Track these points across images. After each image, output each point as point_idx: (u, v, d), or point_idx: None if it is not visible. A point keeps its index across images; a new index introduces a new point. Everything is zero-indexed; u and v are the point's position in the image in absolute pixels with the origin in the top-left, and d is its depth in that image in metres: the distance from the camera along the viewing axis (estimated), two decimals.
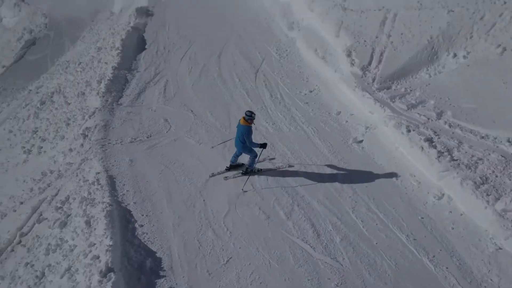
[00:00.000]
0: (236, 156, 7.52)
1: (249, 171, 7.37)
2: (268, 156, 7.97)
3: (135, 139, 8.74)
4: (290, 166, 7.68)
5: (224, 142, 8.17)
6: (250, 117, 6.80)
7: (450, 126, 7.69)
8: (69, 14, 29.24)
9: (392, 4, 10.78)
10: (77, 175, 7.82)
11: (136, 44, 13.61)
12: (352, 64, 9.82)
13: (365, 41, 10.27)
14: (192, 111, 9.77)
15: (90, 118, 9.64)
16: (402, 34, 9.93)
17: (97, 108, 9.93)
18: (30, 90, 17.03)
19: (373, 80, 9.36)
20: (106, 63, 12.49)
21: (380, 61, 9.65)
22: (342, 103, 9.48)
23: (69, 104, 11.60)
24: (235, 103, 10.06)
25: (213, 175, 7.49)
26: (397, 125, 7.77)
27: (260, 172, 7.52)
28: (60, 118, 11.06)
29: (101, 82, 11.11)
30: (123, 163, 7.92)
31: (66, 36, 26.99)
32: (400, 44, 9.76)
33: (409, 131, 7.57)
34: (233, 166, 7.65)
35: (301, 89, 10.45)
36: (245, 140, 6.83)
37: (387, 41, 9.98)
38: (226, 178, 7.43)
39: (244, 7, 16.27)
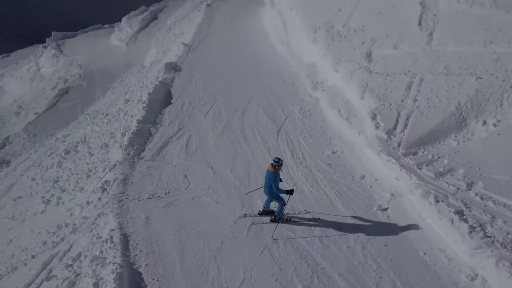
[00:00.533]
0: (268, 202, 7.69)
1: (277, 219, 7.42)
2: (305, 210, 7.87)
3: (153, 195, 8.60)
4: (315, 219, 7.63)
5: (257, 189, 8.28)
6: (277, 163, 7.08)
7: (481, 198, 7.25)
8: (103, 65, 30.66)
9: (418, 69, 10.72)
10: (91, 231, 7.66)
11: (162, 98, 13.89)
12: (377, 128, 9.62)
13: (390, 104, 10.13)
14: (212, 167, 9.66)
15: (110, 171, 9.63)
16: (428, 99, 9.76)
17: (118, 161, 9.94)
18: (57, 138, 17.47)
19: (399, 145, 9.09)
20: (131, 116, 12.73)
21: (406, 126, 9.43)
22: (366, 167, 9.19)
23: (92, 155, 11.73)
24: (256, 161, 9.91)
25: (244, 216, 7.73)
26: (425, 195, 7.38)
27: (289, 221, 7.50)
28: (82, 169, 11.14)
29: (125, 135, 11.23)
30: (138, 220, 7.73)
31: (98, 87, 28.11)
32: (427, 109, 9.57)
33: (437, 201, 7.16)
34: (266, 212, 7.75)
35: (323, 150, 10.25)
36: (271, 186, 7.04)
37: (413, 105, 9.82)
38: (254, 223, 7.53)
39: (269, 65, 16.61)
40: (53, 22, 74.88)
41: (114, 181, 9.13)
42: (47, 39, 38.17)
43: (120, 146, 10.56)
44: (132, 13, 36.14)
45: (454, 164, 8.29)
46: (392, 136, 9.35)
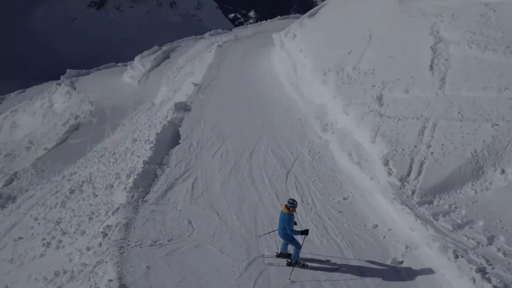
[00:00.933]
0: (285, 244, 7.66)
1: (293, 263, 7.35)
2: (326, 257, 7.63)
3: (155, 242, 8.24)
4: (335, 268, 7.42)
5: (270, 232, 8.21)
6: (292, 205, 7.11)
7: (504, 254, 6.77)
8: (114, 102, 30.97)
9: (431, 114, 10.47)
10: (89, 280, 7.28)
11: (170, 138, 13.75)
12: (390, 174, 9.27)
13: (403, 150, 9.81)
14: (217, 213, 9.30)
15: (113, 215, 9.32)
16: (443, 145, 9.44)
17: (121, 204, 9.65)
18: (64, 176, 17.30)
19: (413, 193, 8.69)
20: (138, 156, 12.55)
21: (420, 173, 9.06)
22: (379, 215, 8.77)
23: (96, 196, 11.47)
24: (263, 206, 9.55)
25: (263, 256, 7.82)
26: (443, 249, 6.92)
27: (305, 267, 7.43)
28: (85, 210, 10.85)
29: (130, 176, 11.01)
30: (139, 269, 7.34)
31: (108, 123, 28.25)
32: (441, 155, 9.22)
33: (457, 257, 6.69)
34: (283, 255, 7.72)
35: (334, 196, 9.88)
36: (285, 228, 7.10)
37: (426, 151, 9.49)
38: (269, 264, 7.59)
39: (278, 106, 16.50)
40: (69, 60, 77.11)
41: (116, 225, 8.80)
42: (62, 76, 39.05)
43: (125, 188, 10.30)
44: (145, 52, 36.95)
45: (473, 216, 7.84)
46: (405, 183, 8.97)
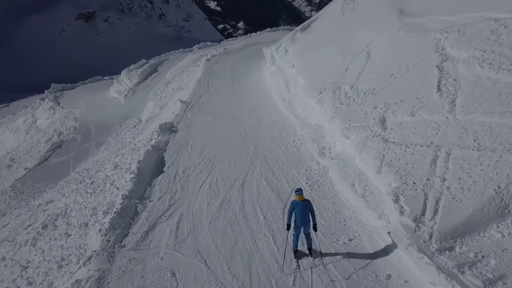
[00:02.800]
0: (297, 238, 7.77)
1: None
2: None
3: None
4: None
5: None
6: (301, 191, 7.56)
7: None
8: (100, 118, 29.48)
9: (441, 141, 9.28)
10: None
11: (154, 166, 12.38)
12: (402, 213, 8.01)
13: (414, 183, 8.58)
14: (205, 261, 7.94)
15: (84, 265, 7.89)
16: (460, 178, 8.23)
17: (95, 251, 8.23)
18: (40, 204, 15.75)
19: (430, 236, 7.44)
20: (117, 188, 11.15)
21: (436, 212, 7.82)
22: (392, 263, 7.50)
23: (69, 236, 10.01)
24: (259, 252, 8.20)
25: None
26: None
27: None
28: (55, 255, 9.38)
29: (107, 214, 9.60)
30: None
31: (93, 140, 26.79)
32: (459, 191, 8.00)
33: None
34: (300, 251, 7.95)
35: (338, 236, 8.59)
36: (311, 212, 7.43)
37: (442, 186, 8.27)
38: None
39: (271, 126, 15.27)
40: (56, 73, 75.25)
41: (87, 280, 7.38)
42: (46, 91, 37.46)
43: (100, 230, 8.89)
44: (132, 66, 35.62)
45: (504, 268, 6.60)
46: (421, 224, 7.72)
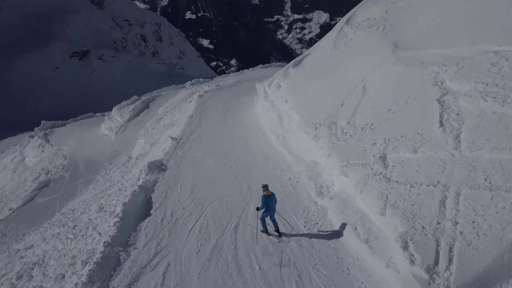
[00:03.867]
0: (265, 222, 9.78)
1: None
2: None
3: None
4: None
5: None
6: (267, 186, 9.56)
7: None
8: (89, 156, 28.61)
9: (449, 180, 8.55)
10: None
11: (140, 208, 11.45)
12: (412, 262, 7.14)
13: (423, 227, 7.76)
14: None
15: None
16: (473, 222, 7.44)
17: None
18: (19, 249, 14.58)
19: None
20: (100, 234, 10.17)
21: (451, 261, 6.97)
22: None
23: None
24: None
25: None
26: None
27: None
28: None
29: (86, 264, 8.59)
30: None
31: (81, 178, 25.80)
32: (475, 237, 7.19)
33: None
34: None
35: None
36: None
37: (454, 230, 7.46)
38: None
39: (265, 163, 14.51)
40: (50, 110, 74.69)
41: None
42: (36, 128, 36.72)
43: (76, 285, 7.86)
44: (123, 102, 35.13)
45: None
46: (435, 275, 6.83)
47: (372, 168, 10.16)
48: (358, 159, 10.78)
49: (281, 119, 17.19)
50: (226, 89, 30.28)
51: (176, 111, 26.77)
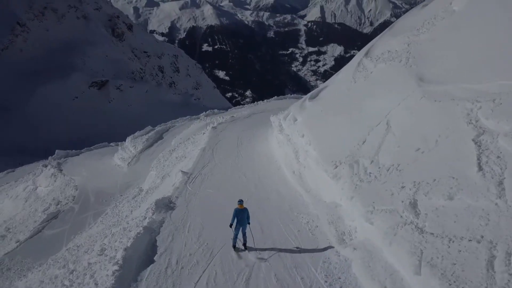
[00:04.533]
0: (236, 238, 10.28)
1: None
2: None
3: None
4: None
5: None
6: (242, 201, 10.29)
7: None
8: (100, 186, 27.89)
9: (495, 235, 7.29)
10: None
11: (143, 253, 10.35)
12: None
13: None
14: None
15: None
16: None
17: None
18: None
19: None
20: (96, 284, 9.06)
21: None
22: None
23: None
24: None
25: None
26: None
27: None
28: None
29: None
30: None
31: (91, 210, 24.95)
32: None
33: None
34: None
35: None
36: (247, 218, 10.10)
37: None
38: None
39: (280, 203, 13.39)
40: (66, 138, 75.31)
41: None
42: (50, 157, 36.43)
43: None
44: (137, 133, 34.68)
45: None
46: None
47: (401, 216, 8.95)
48: (385, 204, 9.58)
49: (297, 153, 16.18)
50: (240, 121, 29.58)
51: (189, 143, 26.02)
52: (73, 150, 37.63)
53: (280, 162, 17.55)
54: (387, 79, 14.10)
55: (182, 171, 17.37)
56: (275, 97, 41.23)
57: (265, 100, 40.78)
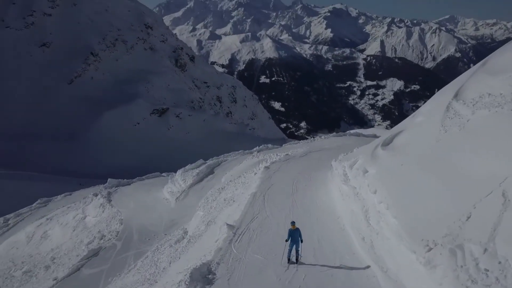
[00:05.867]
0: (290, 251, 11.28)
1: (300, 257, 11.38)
2: None
3: None
4: None
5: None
6: (294, 222, 11.43)
7: None
8: (146, 222, 25.99)
9: None
10: None
11: None
12: None
13: None
14: None
15: None
16: None
17: None
18: None
19: None
20: None
21: None
22: None
23: None
24: None
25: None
26: None
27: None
28: None
29: None
30: None
31: (133, 250, 22.90)
32: None
33: None
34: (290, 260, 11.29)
35: None
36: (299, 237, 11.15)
37: None
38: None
39: (346, 282, 10.14)
40: (125, 163, 76.53)
41: None
42: (102, 186, 35.72)
43: None
44: (188, 166, 32.97)
45: None
46: None
47: None
48: None
49: (367, 213, 12.97)
50: (295, 160, 26.69)
51: (240, 183, 23.50)
52: (125, 180, 36.71)
53: (344, 221, 14.36)
54: (495, 132, 10.64)
55: (227, 224, 14.70)
56: (334, 133, 38.11)
57: (322, 136, 37.74)
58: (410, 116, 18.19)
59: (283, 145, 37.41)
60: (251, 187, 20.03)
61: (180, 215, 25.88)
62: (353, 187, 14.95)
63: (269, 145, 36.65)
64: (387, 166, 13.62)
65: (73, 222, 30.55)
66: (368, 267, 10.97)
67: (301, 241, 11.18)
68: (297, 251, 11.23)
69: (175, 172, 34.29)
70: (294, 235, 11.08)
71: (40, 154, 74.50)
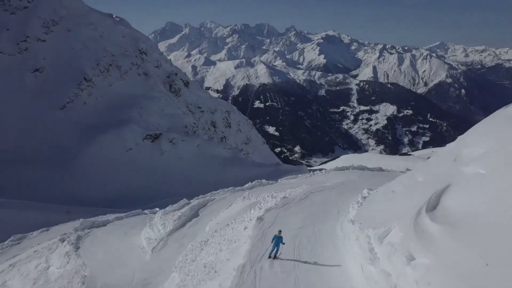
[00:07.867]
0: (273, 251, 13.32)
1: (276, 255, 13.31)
2: None
3: None
4: None
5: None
6: (281, 231, 13.52)
7: None
8: (111, 284, 20.39)
9: None
10: None
11: None
12: None
13: None
14: None
15: None
16: None
17: None
18: None
19: None
20: None
21: None
22: None
23: None
24: None
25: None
26: None
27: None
28: None
29: None
30: None
31: None
32: None
33: None
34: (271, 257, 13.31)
35: None
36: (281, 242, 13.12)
37: None
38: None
39: None
40: (114, 191, 70.61)
41: None
42: (74, 227, 29.91)
43: None
44: (168, 208, 27.48)
45: None
46: None
47: None
48: None
49: None
50: (294, 206, 21.36)
51: (225, 239, 18.04)
52: (100, 219, 31.04)
53: None
54: None
55: None
56: (336, 166, 32.89)
57: (322, 171, 32.60)
58: (455, 162, 12.71)
59: (279, 180, 32.07)
60: (239, 253, 14.60)
61: (154, 272, 20.31)
62: (387, 273, 9.63)
63: (263, 181, 31.29)
64: (445, 252, 8.34)
65: (34, 272, 24.62)
66: None
67: (283, 243, 13.24)
68: (277, 250, 13.22)
69: (164, 200, 28.73)
70: (277, 240, 13.10)
71: (29, 181, 68.51)
